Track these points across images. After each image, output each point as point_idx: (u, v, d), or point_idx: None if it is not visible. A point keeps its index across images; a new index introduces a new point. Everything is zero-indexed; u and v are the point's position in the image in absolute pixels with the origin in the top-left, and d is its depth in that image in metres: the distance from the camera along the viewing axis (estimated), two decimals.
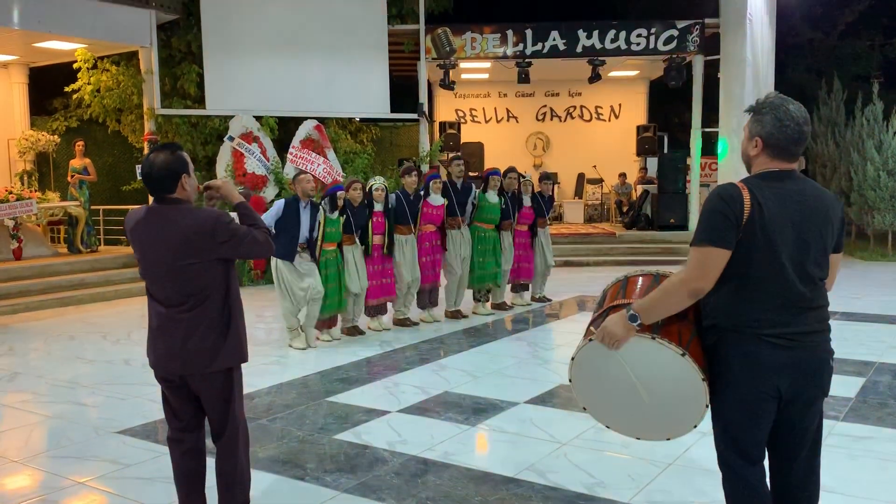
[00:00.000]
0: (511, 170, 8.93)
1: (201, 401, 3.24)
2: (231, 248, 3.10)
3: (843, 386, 5.64)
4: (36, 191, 11.93)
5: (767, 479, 2.67)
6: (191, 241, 3.03)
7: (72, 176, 12.08)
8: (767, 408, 2.54)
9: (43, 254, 11.63)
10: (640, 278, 2.83)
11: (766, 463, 2.68)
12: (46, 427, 5.18)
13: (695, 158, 14.70)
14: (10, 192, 11.05)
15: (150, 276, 3.15)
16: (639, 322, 2.55)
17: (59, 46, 12.33)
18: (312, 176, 7.35)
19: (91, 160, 12.48)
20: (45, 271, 10.80)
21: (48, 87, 14.80)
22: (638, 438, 2.88)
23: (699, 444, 4.37)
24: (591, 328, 2.75)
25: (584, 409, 2.89)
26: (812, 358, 2.53)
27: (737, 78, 13.44)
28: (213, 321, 3.11)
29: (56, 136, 13.63)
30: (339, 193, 7.30)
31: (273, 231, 6.92)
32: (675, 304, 2.53)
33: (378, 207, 7.73)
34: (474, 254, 8.62)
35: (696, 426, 2.67)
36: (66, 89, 13.20)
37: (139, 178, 12.18)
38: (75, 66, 12.77)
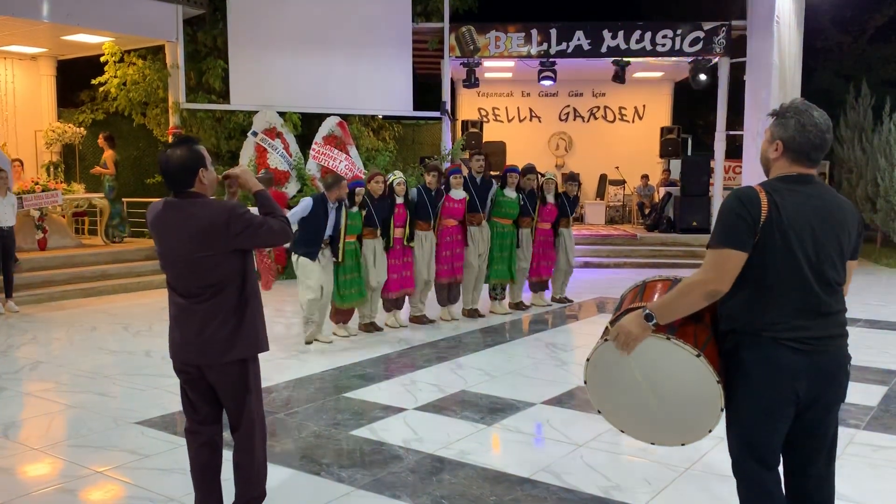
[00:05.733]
0: (530, 169, 8.91)
1: (217, 392, 3.26)
2: (247, 239, 3.11)
3: (865, 394, 5.57)
4: (62, 182, 12.07)
5: (783, 487, 2.65)
6: (207, 233, 3.06)
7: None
8: (785, 412, 2.52)
9: (67, 245, 11.76)
10: (659, 283, 2.82)
11: (781, 469, 2.66)
12: (67, 416, 5.24)
13: (718, 161, 14.59)
14: (37, 183, 11.18)
15: (169, 268, 3.19)
16: (654, 322, 2.55)
17: (86, 40, 12.45)
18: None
19: (112, 154, 12.62)
20: (69, 262, 10.92)
21: (75, 79, 14.95)
22: (652, 443, 2.86)
23: (717, 450, 4.33)
24: (609, 328, 2.74)
25: (599, 411, 2.88)
26: (830, 362, 2.51)
27: (763, 81, 13.30)
28: (229, 312, 3.14)
29: (82, 129, 13.77)
30: (357, 189, 7.32)
31: (294, 227, 6.96)
32: (691, 305, 2.53)
33: (399, 200, 7.78)
34: (493, 248, 8.62)
35: (710, 431, 2.65)
36: (93, 82, 13.33)
37: None
38: (102, 59, 12.89)
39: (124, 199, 13.60)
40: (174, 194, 3.16)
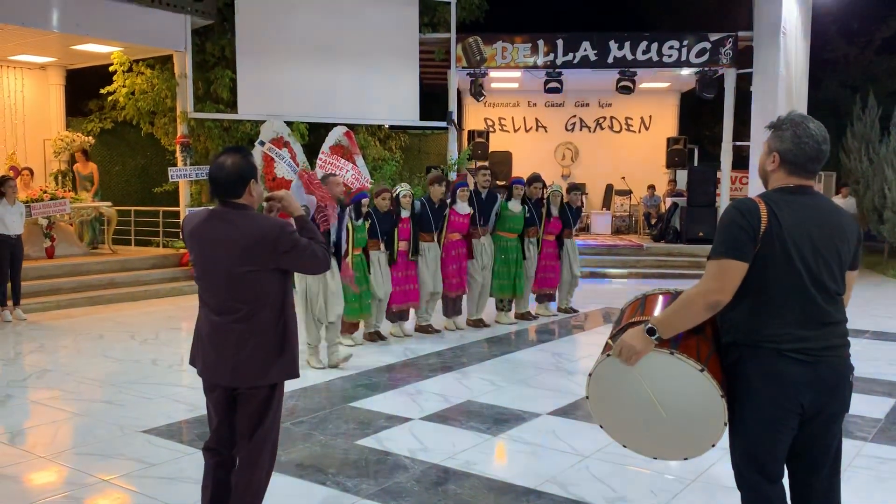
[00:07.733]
0: (536, 178, 8.93)
1: (237, 410, 3.12)
2: (292, 259, 3.00)
3: (872, 406, 5.55)
4: (70, 191, 12.14)
5: (788, 499, 2.64)
6: (252, 248, 2.94)
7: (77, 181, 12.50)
8: (789, 424, 2.52)
9: (75, 253, 11.81)
10: (660, 296, 2.82)
11: (786, 481, 2.65)
12: (73, 424, 5.25)
13: (725, 172, 14.59)
14: (45, 192, 11.25)
15: (205, 280, 3.06)
16: (657, 335, 2.55)
17: (96, 49, 12.54)
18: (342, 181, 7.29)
19: (95, 165, 12.91)
20: (77, 270, 10.97)
21: (84, 88, 15.04)
22: (655, 458, 2.85)
23: (723, 461, 4.30)
24: (610, 343, 2.74)
25: (601, 426, 2.87)
26: (833, 373, 2.51)
27: (769, 92, 13.32)
28: (266, 333, 3.02)
29: (91, 138, 13.85)
30: (363, 201, 7.28)
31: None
32: (693, 317, 2.53)
33: (405, 214, 7.77)
34: (497, 263, 8.61)
35: (713, 445, 2.64)
36: (102, 91, 13.42)
37: (171, 180, 12.36)
38: (111, 68, 12.98)
39: (132, 208, 13.67)
40: (220, 203, 3.03)
